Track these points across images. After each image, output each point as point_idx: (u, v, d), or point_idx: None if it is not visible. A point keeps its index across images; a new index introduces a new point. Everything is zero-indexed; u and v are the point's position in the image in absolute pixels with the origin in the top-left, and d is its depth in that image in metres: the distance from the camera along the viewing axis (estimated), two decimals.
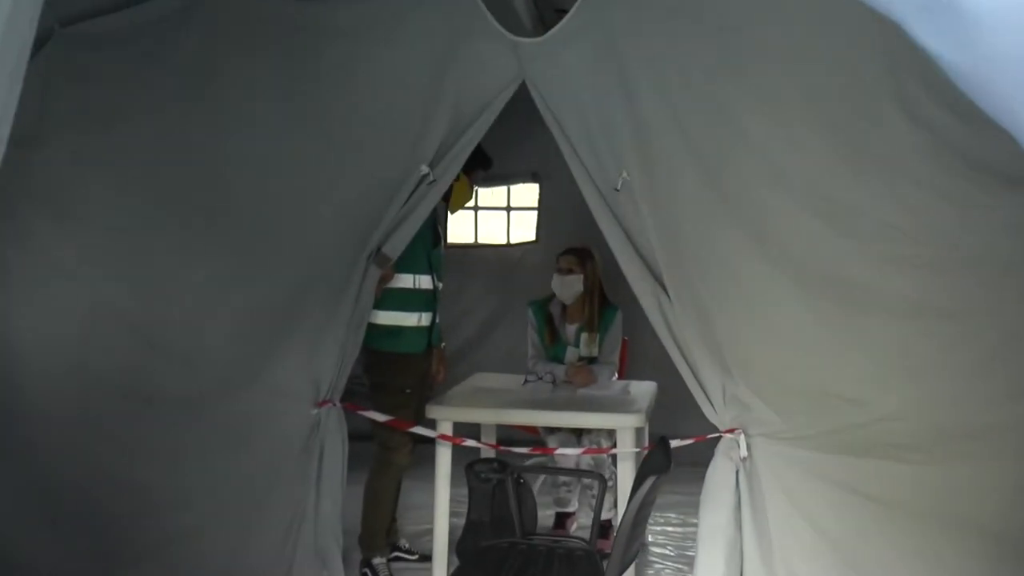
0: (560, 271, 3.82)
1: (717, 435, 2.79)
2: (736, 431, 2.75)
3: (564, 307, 3.92)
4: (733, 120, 2.62)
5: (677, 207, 2.72)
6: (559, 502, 3.91)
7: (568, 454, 3.52)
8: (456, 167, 3.00)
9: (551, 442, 3.68)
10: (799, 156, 2.59)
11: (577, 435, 3.77)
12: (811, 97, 2.55)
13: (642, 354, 4.73)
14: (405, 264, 3.26)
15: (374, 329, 3.28)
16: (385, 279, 3.22)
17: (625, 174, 2.76)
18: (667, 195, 2.73)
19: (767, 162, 2.61)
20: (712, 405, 2.78)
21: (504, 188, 5.98)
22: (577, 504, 3.97)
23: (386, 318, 3.38)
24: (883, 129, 2.50)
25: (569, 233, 4.83)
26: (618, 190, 2.78)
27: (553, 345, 3.89)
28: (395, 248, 3.03)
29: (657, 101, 2.69)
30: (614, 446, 3.36)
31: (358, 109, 2.87)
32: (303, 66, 2.86)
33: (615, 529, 3.56)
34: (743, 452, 2.72)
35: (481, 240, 6.04)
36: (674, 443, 2.53)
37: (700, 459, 2.87)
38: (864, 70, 2.51)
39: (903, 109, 2.48)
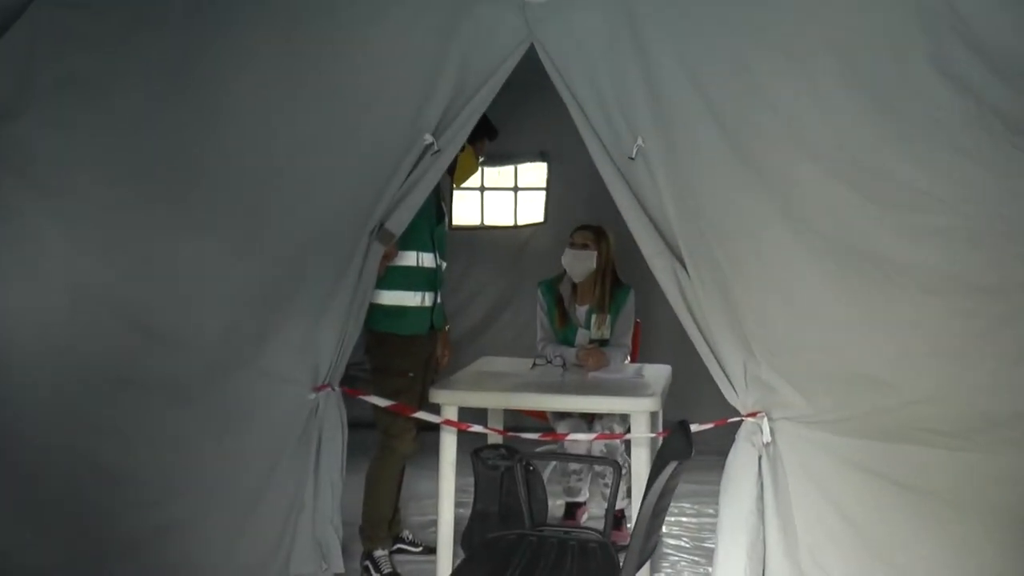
0: (573, 245, 3.79)
1: (738, 419, 2.73)
2: (759, 415, 2.69)
3: (575, 288, 3.90)
4: (756, 81, 2.56)
5: (696, 175, 2.66)
6: (569, 491, 3.87)
7: (580, 440, 3.48)
8: (462, 136, 2.93)
9: (561, 428, 3.67)
10: (827, 119, 2.51)
11: (588, 420, 3.75)
12: (840, 55, 2.47)
13: (654, 336, 4.72)
14: (408, 241, 3.23)
15: (375, 309, 3.23)
16: (388, 256, 3.16)
17: (640, 141, 2.70)
18: (685, 162, 2.67)
19: (792, 126, 2.53)
20: (733, 387, 2.72)
21: (511, 168, 5.95)
22: (588, 494, 3.93)
23: (388, 297, 3.34)
24: (918, 89, 2.41)
25: (579, 214, 4.84)
26: (633, 159, 2.72)
27: (563, 327, 3.87)
28: (399, 223, 2.98)
29: (674, 62, 2.63)
30: (627, 432, 3.34)
31: (358, 76, 2.81)
32: (299, 32, 2.79)
33: (629, 519, 3.54)
34: (766, 437, 2.66)
35: (488, 222, 6.01)
36: (693, 428, 2.46)
37: (717, 445, 2.83)
38: (897, 26, 2.43)
39: (939, 68, 2.38)
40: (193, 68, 2.73)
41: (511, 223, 6.00)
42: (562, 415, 3.68)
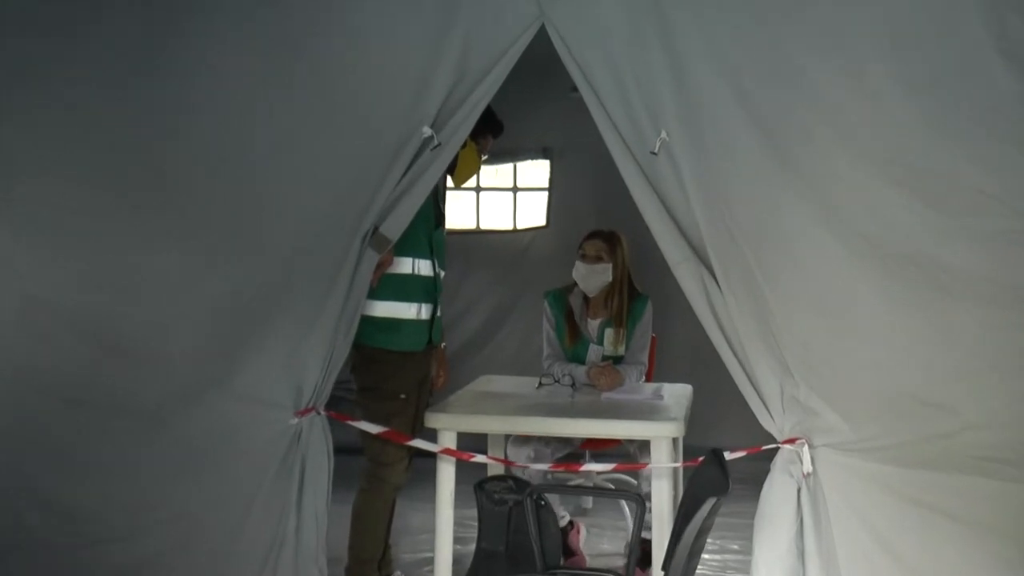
0: (585, 258, 3.80)
1: (774, 446, 2.71)
2: (797, 441, 2.66)
3: (586, 299, 3.91)
4: (793, 68, 2.54)
5: (726, 172, 2.65)
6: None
7: (596, 470, 3.48)
8: (465, 129, 2.90)
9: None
10: (874, 111, 2.50)
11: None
12: (888, 39, 2.46)
13: (671, 352, 4.68)
14: (403, 246, 3.20)
15: (366, 323, 3.19)
16: (384, 265, 3.17)
17: (664, 134, 2.69)
18: (714, 159, 2.65)
19: (835, 118, 2.52)
20: (768, 410, 2.70)
21: (510, 166, 6.00)
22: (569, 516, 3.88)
23: (381, 309, 3.32)
24: (977, 78, 2.39)
25: (585, 217, 4.91)
26: (655, 154, 2.71)
27: (573, 343, 3.87)
28: (395, 228, 2.95)
29: (702, 46, 2.62)
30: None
31: (346, 62, 2.80)
32: (279, 13, 2.78)
33: (628, 555, 3.47)
34: (806, 467, 2.63)
35: (484, 226, 6.06)
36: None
37: (741, 472, 2.77)
38: (952, 6, 2.42)
39: (1003, 53, 2.36)
40: (159, 54, 2.71)
41: (510, 227, 6.04)
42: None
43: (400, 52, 2.79)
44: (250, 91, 2.76)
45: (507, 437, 3.68)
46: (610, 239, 3.80)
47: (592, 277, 3.77)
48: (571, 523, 3.82)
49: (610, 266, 3.76)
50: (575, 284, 3.86)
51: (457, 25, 2.77)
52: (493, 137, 3.65)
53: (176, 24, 2.69)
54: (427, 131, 2.84)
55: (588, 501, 3.81)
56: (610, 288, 3.80)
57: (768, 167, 2.59)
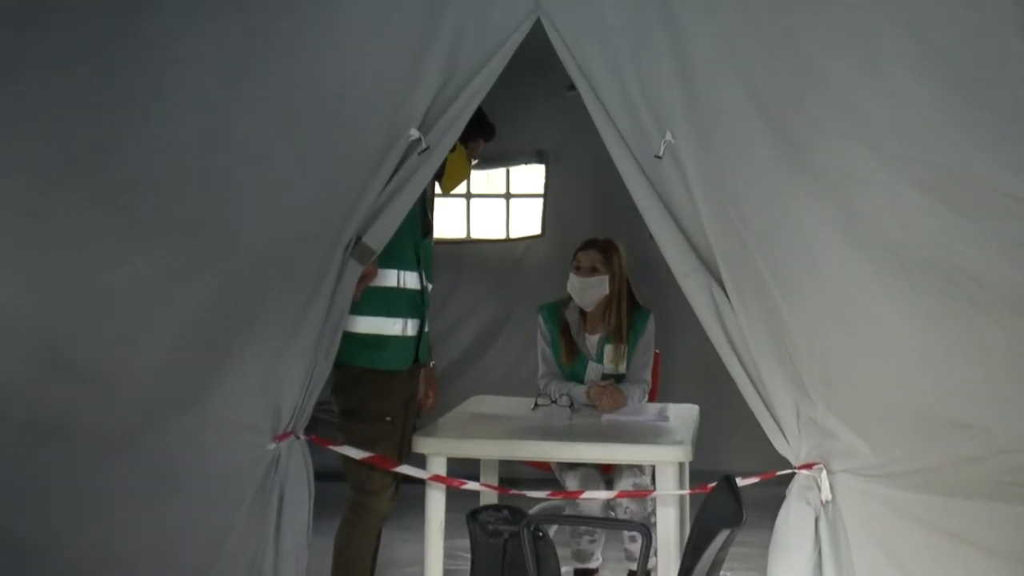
0: (580, 270, 3.79)
1: (789, 472, 2.70)
2: (815, 467, 2.65)
3: (584, 313, 3.89)
4: (810, 64, 2.55)
5: (737, 178, 2.66)
6: (580, 556, 3.80)
7: (597, 498, 3.45)
8: (455, 131, 2.90)
9: (571, 482, 3.60)
10: (895, 111, 2.50)
11: (603, 472, 3.72)
12: (912, 32, 2.47)
13: (675, 369, 4.69)
14: (388, 258, 3.18)
15: (348, 340, 3.17)
16: (367, 277, 3.14)
17: (670, 136, 2.69)
18: (724, 162, 2.66)
19: (855, 118, 2.53)
20: (783, 433, 2.69)
21: (502, 170, 6.02)
22: (601, 558, 3.86)
23: (364, 325, 3.29)
24: (1008, 73, 2.40)
25: (583, 225, 4.96)
26: (660, 157, 2.71)
27: (571, 360, 3.86)
28: (380, 237, 2.94)
29: (711, 41, 2.63)
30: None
31: (328, 58, 2.80)
32: (255, 7, 2.77)
33: None
34: (825, 494, 2.62)
35: (475, 235, 6.08)
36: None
37: (756, 500, 2.74)
38: None
39: None
40: (124, 47, 2.68)
41: (503, 236, 6.05)
42: (572, 466, 3.63)
43: (385, 49, 2.79)
44: (221, 91, 2.75)
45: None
46: (605, 249, 3.79)
47: (587, 290, 3.76)
48: (595, 570, 3.80)
49: (606, 278, 3.75)
50: (568, 299, 3.87)
51: (446, 19, 2.76)
52: (484, 140, 3.64)
53: (142, 18, 2.68)
54: (414, 134, 2.83)
55: (598, 556, 3.78)
56: (608, 301, 3.79)
57: (782, 170, 2.59)
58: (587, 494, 3.37)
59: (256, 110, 2.77)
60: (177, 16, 2.70)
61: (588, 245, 3.81)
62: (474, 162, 3.66)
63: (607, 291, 3.76)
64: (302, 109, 2.80)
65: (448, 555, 3.18)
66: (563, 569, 3.67)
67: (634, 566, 3.44)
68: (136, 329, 2.73)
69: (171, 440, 2.78)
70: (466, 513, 2.74)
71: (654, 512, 3.40)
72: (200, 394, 2.80)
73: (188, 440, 2.80)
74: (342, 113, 2.82)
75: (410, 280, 3.36)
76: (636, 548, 3.50)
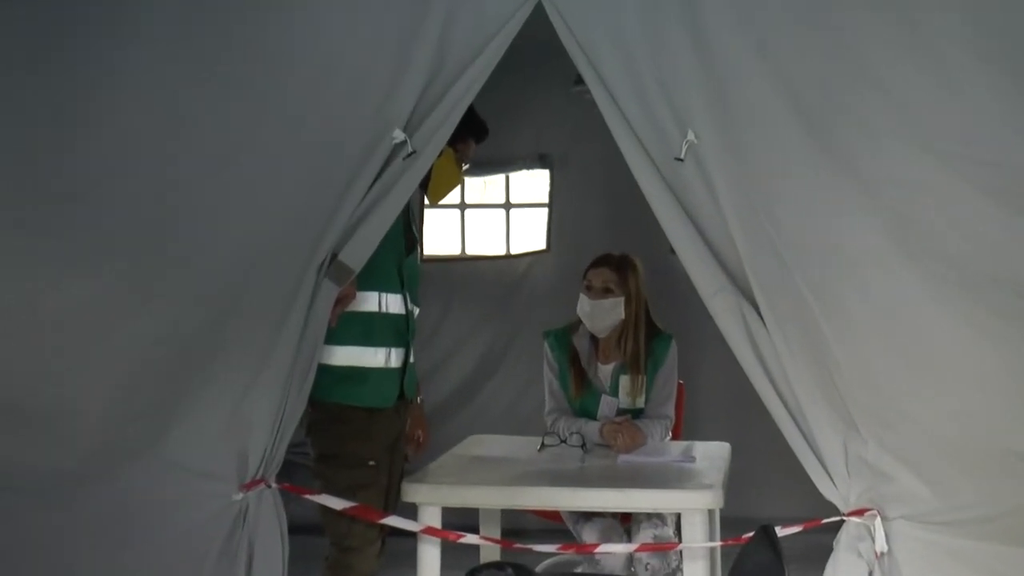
0: (591, 291, 3.79)
1: (838, 519, 2.71)
2: (867, 513, 2.65)
3: (595, 340, 3.88)
4: (853, 51, 2.56)
5: (770, 183, 2.67)
6: None
7: (616, 552, 3.43)
8: (444, 134, 2.92)
9: (587, 534, 3.59)
10: (953, 106, 2.52)
11: (623, 521, 3.70)
12: (969, 18, 2.48)
13: (701, 402, 4.68)
14: (368, 278, 3.18)
15: (324, 373, 3.17)
16: (344, 300, 3.13)
17: (692, 136, 2.70)
18: (754, 165, 2.67)
19: (906, 115, 2.54)
20: (829, 475, 2.69)
21: (501, 177, 6.04)
22: None
23: (342, 356, 3.29)
24: None
25: (594, 239, 4.96)
26: (681, 160, 2.72)
27: (581, 393, 3.87)
28: (358, 254, 2.95)
29: (738, 27, 2.64)
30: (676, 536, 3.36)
31: (300, 51, 2.82)
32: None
33: None
34: (879, 545, 2.62)
35: (470, 251, 6.09)
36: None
37: (797, 550, 2.75)
38: None
39: None
40: (62, 41, 2.70)
41: (502, 252, 6.06)
42: (586, 515, 3.63)
43: (365, 39, 2.82)
44: (180, 89, 2.76)
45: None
46: (620, 266, 3.80)
47: (600, 315, 3.76)
48: None
49: (621, 300, 3.75)
50: (577, 323, 3.87)
51: (434, 4, 2.78)
52: (476, 142, 3.65)
53: (82, 7, 2.70)
54: (399, 135, 2.84)
55: None
56: (623, 326, 3.79)
57: (822, 174, 2.60)
58: (603, 547, 3.36)
59: (216, 111, 2.78)
60: (125, 9, 2.71)
61: (600, 262, 3.81)
62: (464, 167, 3.67)
63: (622, 315, 3.76)
64: (269, 109, 2.81)
65: None
66: None
67: None
68: (79, 365, 2.73)
69: (121, 491, 2.77)
70: (465, 572, 2.72)
71: (680, 568, 3.38)
72: (154, 438, 2.79)
73: (141, 491, 2.79)
74: (315, 113, 2.83)
75: (393, 304, 3.37)
76: None
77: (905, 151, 2.53)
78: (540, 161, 5.79)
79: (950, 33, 2.49)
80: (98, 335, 2.74)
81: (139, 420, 2.78)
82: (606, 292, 3.75)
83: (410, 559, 3.17)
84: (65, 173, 2.70)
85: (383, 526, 3.20)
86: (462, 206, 5.98)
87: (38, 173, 2.69)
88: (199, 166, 2.79)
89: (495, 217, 6.08)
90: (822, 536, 2.72)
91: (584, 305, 3.77)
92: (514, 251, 6.00)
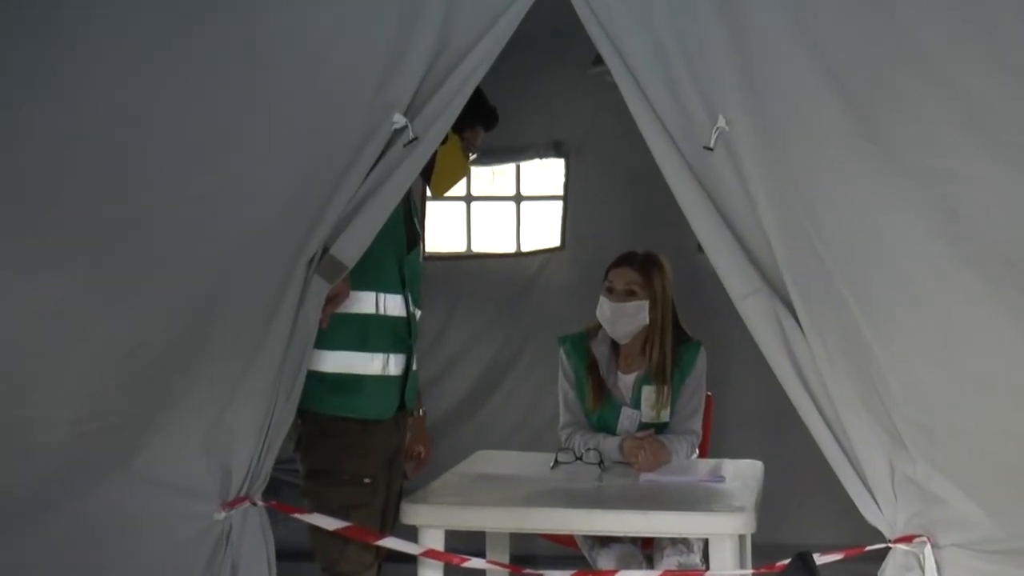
0: (612, 294, 3.80)
1: (883, 546, 2.70)
2: (916, 539, 2.64)
3: (616, 346, 3.89)
4: (901, 31, 2.56)
5: (808, 173, 2.67)
6: None
7: None
8: (448, 118, 2.92)
9: (603, 561, 3.61)
10: (1009, 86, 2.52)
11: (643, 547, 3.71)
12: None
13: (731, 417, 4.65)
14: (365, 276, 3.21)
15: (314, 381, 3.19)
16: (337, 299, 3.15)
17: (722, 123, 2.70)
18: (791, 155, 2.67)
19: (956, 97, 2.54)
20: (874, 498, 2.69)
21: (511, 167, 6.03)
22: None
23: (334, 362, 3.31)
24: None
25: (613, 235, 5.01)
26: (711, 149, 2.73)
27: (599, 405, 3.88)
28: (352, 248, 2.94)
29: (776, 4, 2.64)
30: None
31: (291, 30, 2.82)
32: None
33: None
34: (930, 574, 2.61)
35: (477, 248, 6.08)
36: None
37: None
38: None
39: None
40: (36, 29, 2.71)
41: (512, 249, 6.05)
42: (604, 540, 3.63)
43: (363, 18, 2.82)
44: (156, 71, 2.77)
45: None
46: (645, 266, 3.81)
47: (623, 319, 3.77)
48: None
49: (646, 303, 3.76)
50: (596, 328, 3.88)
51: None
52: (485, 129, 3.65)
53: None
54: (399, 120, 2.84)
55: None
56: (648, 332, 3.80)
57: (866, 165, 2.60)
58: (622, 574, 3.36)
59: (198, 93, 2.79)
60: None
61: (623, 261, 3.82)
62: (472, 156, 3.68)
63: (647, 320, 3.77)
64: (257, 91, 2.81)
65: None
66: None
67: None
68: (46, 372, 2.73)
69: (92, 510, 2.77)
70: None
71: None
72: (128, 452, 2.79)
73: (112, 511, 2.79)
74: (308, 96, 2.84)
75: (392, 305, 3.38)
76: None
77: (958, 140, 2.54)
78: (554, 149, 5.77)
79: (1008, 6, 2.49)
80: (64, 341, 2.74)
81: (111, 432, 2.78)
82: (629, 295, 3.76)
83: None
84: (28, 168, 2.71)
85: (380, 550, 3.21)
86: (468, 198, 5.98)
87: (9, 171, 2.70)
88: (178, 157, 2.80)
89: (505, 211, 6.06)
90: (865, 565, 2.73)
91: (605, 309, 3.78)
92: (525, 248, 5.99)
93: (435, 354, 5.35)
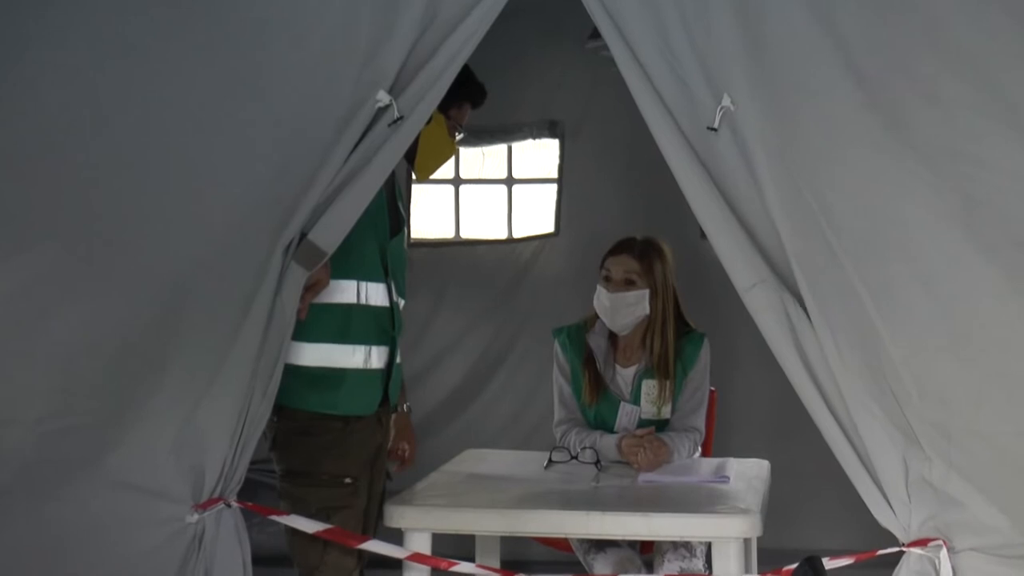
0: (611, 283, 3.80)
1: (896, 550, 2.71)
2: (932, 543, 2.65)
3: (614, 338, 3.90)
4: (921, 8, 2.58)
5: (819, 156, 2.68)
6: None
7: None
8: (435, 96, 2.93)
9: (600, 566, 3.62)
10: None
11: (642, 551, 3.73)
12: None
13: (735, 414, 4.65)
14: (345, 263, 3.22)
15: (292, 376, 3.19)
16: (315, 288, 3.15)
17: (728, 101, 2.70)
18: (801, 138, 2.68)
19: (980, 80, 2.54)
20: (887, 499, 2.69)
21: (503, 148, 6.02)
22: None
23: (313, 355, 3.31)
24: None
25: (610, 221, 5.08)
26: (715, 130, 2.73)
27: (596, 400, 3.88)
28: (331, 235, 2.96)
29: None
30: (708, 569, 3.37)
31: (269, 5, 2.85)
32: None
33: None
34: None
35: (466, 234, 6.08)
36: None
37: None
38: None
39: None
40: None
41: (503, 235, 6.04)
42: (600, 544, 3.64)
43: None
44: (128, 48, 2.79)
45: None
46: (645, 253, 3.81)
47: (621, 310, 3.77)
48: None
49: (646, 293, 3.77)
50: (593, 319, 3.89)
51: None
52: (472, 106, 3.65)
53: None
54: (383, 98, 2.84)
55: None
56: (648, 323, 3.81)
57: (880, 148, 2.60)
58: None
59: (170, 70, 2.80)
60: None
61: (621, 248, 3.82)
62: (458, 135, 3.67)
63: (647, 310, 3.77)
64: (232, 68, 2.82)
65: None
66: None
67: None
68: (2, 369, 2.74)
69: (55, 514, 2.77)
70: None
71: None
72: (94, 452, 2.79)
73: (78, 514, 2.79)
74: (286, 72, 2.84)
75: (374, 294, 3.38)
76: None
77: (978, 121, 2.54)
78: (548, 129, 5.76)
79: None
80: (24, 335, 2.76)
81: (75, 431, 2.78)
82: (628, 284, 3.76)
83: None
84: None
85: (362, 554, 3.23)
86: (456, 181, 5.97)
87: None
88: (147, 137, 2.81)
89: (495, 194, 6.04)
90: (877, 571, 2.75)
91: (602, 299, 3.78)
92: (517, 235, 5.98)
93: (421, 347, 5.36)
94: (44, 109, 2.76)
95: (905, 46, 2.59)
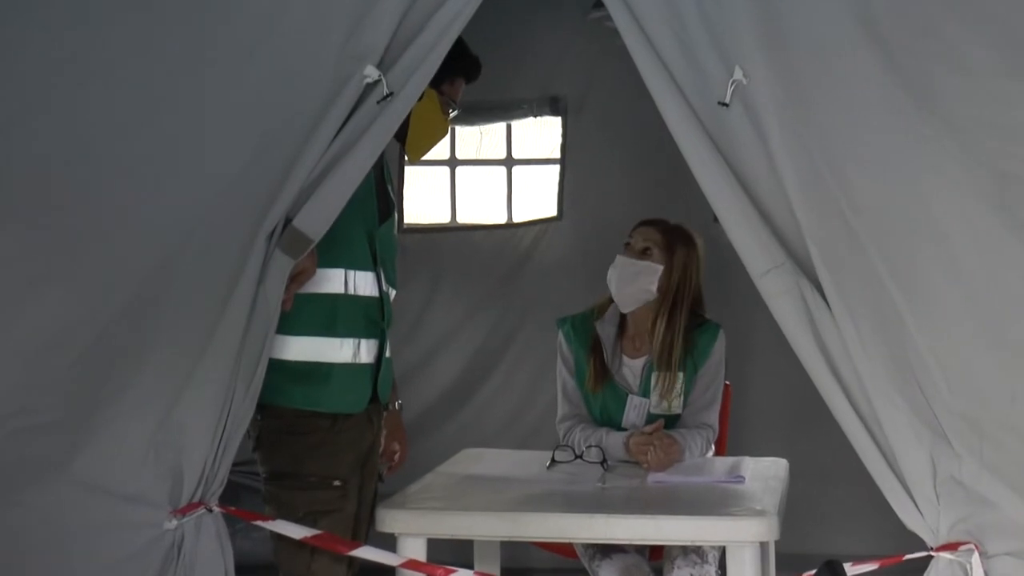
0: (629, 249, 3.86)
1: (924, 554, 2.70)
2: (963, 547, 2.64)
3: (623, 325, 3.92)
4: None
5: (838, 133, 2.68)
6: None
7: None
8: (427, 71, 2.94)
9: (605, 572, 3.63)
10: None
11: (650, 557, 3.73)
12: None
13: (751, 409, 4.65)
14: (332, 251, 3.23)
15: (276, 371, 3.19)
16: (300, 277, 3.15)
17: (740, 75, 2.71)
18: (819, 112, 2.68)
19: (1014, 48, 2.56)
20: (913, 500, 2.69)
21: (501, 126, 6.03)
22: None
23: (298, 349, 3.32)
24: None
25: (617, 203, 5.03)
26: (726, 105, 2.73)
27: (600, 389, 3.89)
28: (317, 221, 2.97)
29: None
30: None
31: None
32: None
33: None
34: None
35: (462, 219, 6.09)
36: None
37: None
38: None
39: None
40: None
41: (502, 220, 6.05)
42: (606, 549, 3.64)
43: None
44: (96, 24, 2.80)
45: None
46: (673, 232, 3.86)
47: (627, 278, 3.80)
48: None
49: (659, 268, 3.79)
50: (604, 306, 3.91)
51: None
52: (467, 81, 3.65)
53: None
54: (372, 74, 2.85)
55: None
56: (658, 307, 3.82)
57: (906, 123, 2.61)
58: None
59: (140, 45, 2.81)
60: None
61: (650, 221, 3.88)
62: (452, 113, 3.67)
63: (654, 287, 3.78)
64: (209, 41, 2.83)
65: None
66: None
67: None
68: None
69: (21, 521, 2.78)
70: None
71: None
72: (63, 454, 2.79)
73: (47, 521, 2.79)
74: (267, 47, 2.86)
75: (363, 284, 3.39)
76: None
77: (1009, 91, 2.54)
78: (550, 106, 5.78)
79: None
80: None
81: (43, 432, 2.78)
82: (644, 253, 3.81)
83: None
84: None
85: (352, 561, 3.23)
86: (452, 162, 5.99)
87: None
88: (118, 117, 2.82)
89: (494, 176, 6.06)
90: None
91: (616, 267, 3.80)
92: (517, 219, 6.00)
93: (415, 340, 5.39)
94: (5, 90, 2.75)
95: (929, 9, 2.58)
